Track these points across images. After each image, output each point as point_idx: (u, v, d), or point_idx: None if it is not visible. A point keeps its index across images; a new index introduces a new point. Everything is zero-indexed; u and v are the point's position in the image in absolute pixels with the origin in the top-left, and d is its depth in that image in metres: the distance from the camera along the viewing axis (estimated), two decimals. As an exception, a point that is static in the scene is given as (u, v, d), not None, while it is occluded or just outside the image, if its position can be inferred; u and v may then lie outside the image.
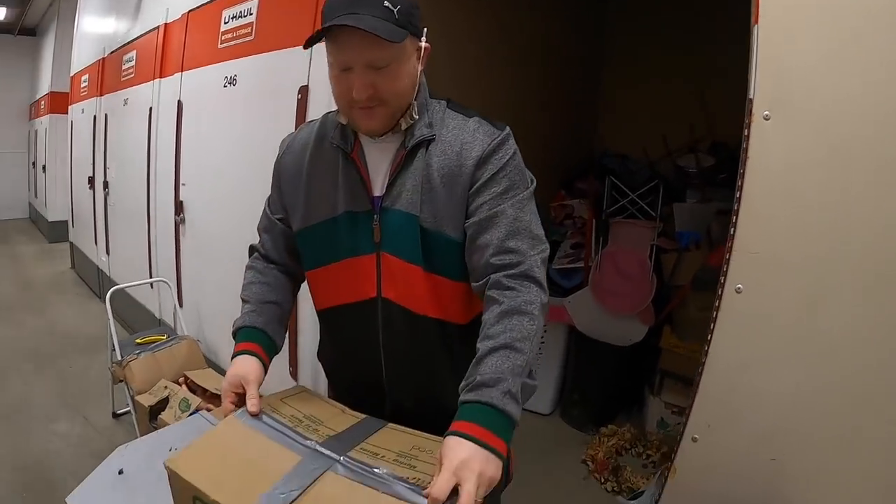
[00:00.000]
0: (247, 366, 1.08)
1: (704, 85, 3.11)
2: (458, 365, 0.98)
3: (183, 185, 3.11)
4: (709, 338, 1.34)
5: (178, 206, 3.14)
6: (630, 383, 3.04)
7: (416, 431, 1.00)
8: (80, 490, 1.23)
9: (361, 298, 1.11)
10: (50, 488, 2.45)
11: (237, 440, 0.93)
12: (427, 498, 0.77)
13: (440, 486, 0.76)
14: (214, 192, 2.88)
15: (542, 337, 0.99)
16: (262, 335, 1.14)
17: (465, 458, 0.79)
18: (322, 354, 1.37)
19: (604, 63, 3.84)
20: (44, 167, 7.37)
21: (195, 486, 0.81)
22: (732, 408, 1.32)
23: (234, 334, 1.15)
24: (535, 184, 1.07)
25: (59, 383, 3.46)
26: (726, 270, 1.29)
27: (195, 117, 2.99)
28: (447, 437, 0.84)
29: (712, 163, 3.06)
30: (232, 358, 1.10)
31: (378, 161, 1.07)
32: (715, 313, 1.32)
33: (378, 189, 1.07)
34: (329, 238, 1.11)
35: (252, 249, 1.28)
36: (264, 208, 1.25)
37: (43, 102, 7.37)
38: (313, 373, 2.32)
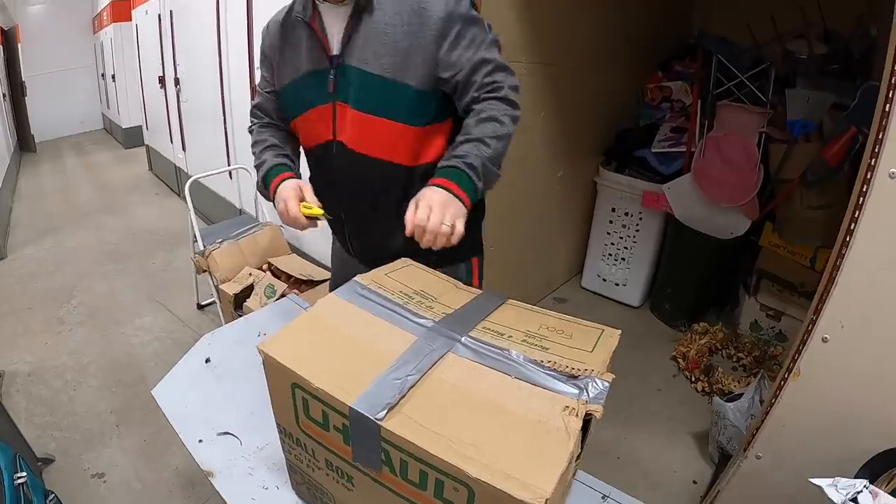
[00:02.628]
0: (296, 181, 1.27)
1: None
2: (403, 207, 1.12)
3: (258, 68, 2.97)
4: (851, 227, 1.17)
5: (255, 91, 3.02)
6: (725, 280, 2.89)
7: (542, 309, 0.90)
8: (165, 381, 1.22)
9: (321, 141, 1.28)
10: (138, 380, 2.55)
11: (340, 319, 0.81)
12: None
13: (409, 216, 1.04)
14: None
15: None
16: (295, 169, 1.35)
17: (433, 197, 1.05)
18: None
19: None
20: (113, 76, 7.47)
21: (294, 372, 0.69)
22: (871, 308, 1.18)
23: (268, 174, 1.31)
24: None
25: (142, 280, 3.57)
26: (877, 152, 1.11)
27: (267, -5, 2.83)
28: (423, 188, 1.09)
29: (825, 51, 2.74)
30: (274, 190, 1.27)
31: (334, 24, 1.20)
32: (861, 199, 1.15)
33: (335, 48, 1.20)
34: (297, 94, 1.28)
35: (252, 125, 1.45)
36: (258, 91, 1.44)
37: (105, 14, 7.37)
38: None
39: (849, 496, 0.98)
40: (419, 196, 1.07)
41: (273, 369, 0.73)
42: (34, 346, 2.80)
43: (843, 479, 1.01)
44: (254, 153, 1.39)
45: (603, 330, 0.84)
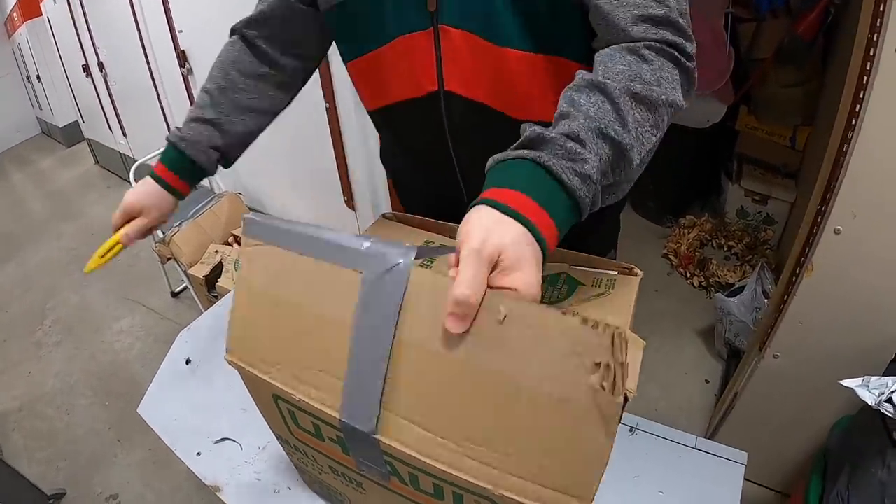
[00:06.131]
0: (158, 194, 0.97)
1: None
2: None
3: (180, 32, 2.82)
4: (857, 109, 1.07)
5: (181, 57, 2.87)
6: (706, 170, 2.84)
7: None
8: (149, 395, 1.11)
9: (418, 94, 0.81)
10: (130, 387, 2.46)
11: (272, 280, 0.58)
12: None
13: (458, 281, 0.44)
14: (218, 27, 2.55)
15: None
16: (188, 161, 0.96)
17: (475, 229, 0.48)
18: (386, 159, 1.10)
19: None
20: (38, 77, 7.00)
21: (271, 384, 0.57)
22: (884, 193, 1.11)
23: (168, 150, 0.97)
24: None
25: (111, 281, 3.41)
26: (879, 26, 1.00)
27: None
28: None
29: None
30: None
31: None
32: (865, 79, 1.05)
33: None
34: (368, 13, 0.79)
35: (234, 32, 0.97)
36: None
37: (15, 14, 6.83)
38: (373, 198, 2.15)
39: (883, 397, 0.91)
40: (463, 224, 0.50)
41: (250, 381, 0.62)
42: (17, 380, 2.69)
43: (875, 378, 0.94)
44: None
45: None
